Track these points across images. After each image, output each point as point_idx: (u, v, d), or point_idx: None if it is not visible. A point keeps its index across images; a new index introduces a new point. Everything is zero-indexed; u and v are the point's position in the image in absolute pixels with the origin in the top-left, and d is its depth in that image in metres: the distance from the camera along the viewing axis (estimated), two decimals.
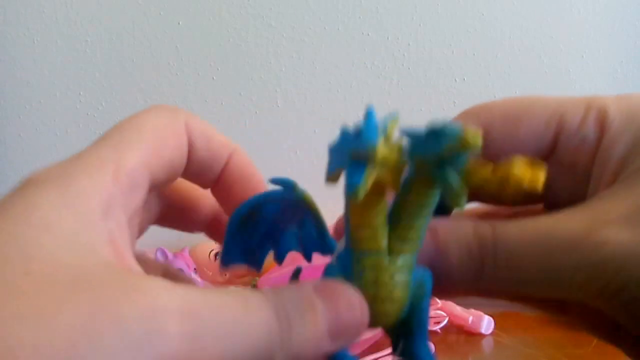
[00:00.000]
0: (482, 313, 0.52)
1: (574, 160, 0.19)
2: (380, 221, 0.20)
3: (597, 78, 0.77)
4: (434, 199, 0.18)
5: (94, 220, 0.15)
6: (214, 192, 0.22)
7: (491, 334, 0.50)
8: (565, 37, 0.77)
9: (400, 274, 0.19)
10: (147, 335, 0.13)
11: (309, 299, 0.16)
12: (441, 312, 0.51)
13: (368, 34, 0.75)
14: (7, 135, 0.71)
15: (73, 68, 0.72)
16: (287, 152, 0.75)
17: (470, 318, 0.51)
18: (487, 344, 0.49)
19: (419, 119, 0.71)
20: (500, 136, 0.21)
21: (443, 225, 0.19)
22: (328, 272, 0.21)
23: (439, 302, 0.54)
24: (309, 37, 0.74)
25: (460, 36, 0.76)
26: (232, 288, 0.53)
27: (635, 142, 0.17)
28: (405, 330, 0.21)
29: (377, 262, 0.20)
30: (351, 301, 0.17)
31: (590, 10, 0.77)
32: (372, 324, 0.19)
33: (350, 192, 0.18)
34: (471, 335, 0.51)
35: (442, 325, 0.50)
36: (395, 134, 0.18)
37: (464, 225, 0.18)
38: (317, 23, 0.74)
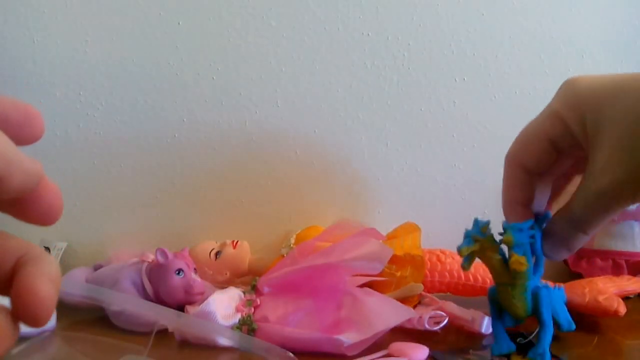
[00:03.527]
0: (482, 313, 0.51)
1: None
2: (497, 269, 0.42)
3: None
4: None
5: None
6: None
7: (491, 334, 0.50)
8: (565, 37, 0.77)
9: (517, 295, 0.43)
10: None
11: None
12: (441, 312, 0.51)
13: (368, 34, 0.75)
14: None
15: (73, 68, 0.72)
16: (287, 152, 0.75)
17: (471, 318, 0.51)
18: (487, 344, 0.49)
19: (419, 118, 0.72)
20: None
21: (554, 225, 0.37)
22: (490, 292, 0.45)
23: (439, 302, 0.54)
24: (309, 37, 0.74)
25: (460, 36, 0.76)
26: (232, 288, 0.53)
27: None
28: (537, 320, 0.44)
29: (504, 289, 0.43)
30: None
31: (590, 10, 0.77)
32: (514, 317, 0.44)
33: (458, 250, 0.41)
34: (471, 335, 0.51)
35: (442, 325, 0.50)
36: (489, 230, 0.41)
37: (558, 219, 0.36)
38: (317, 23, 0.74)
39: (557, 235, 0.35)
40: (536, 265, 0.43)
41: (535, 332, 0.46)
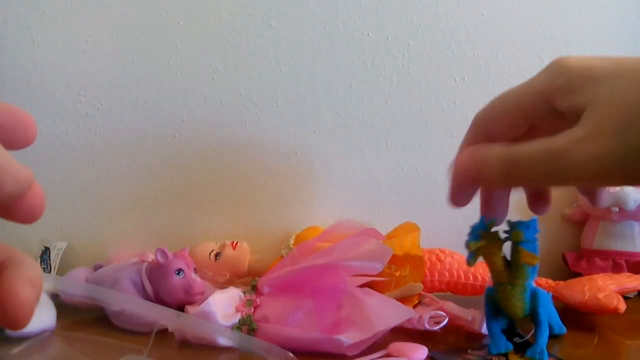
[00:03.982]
0: (482, 313, 0.51)
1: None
2: (499, 268, 0.43)
3: None
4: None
5: None
6: None
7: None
8: (565, 37, 0.77)
9: (517, 294, 0.44)
10: None
11: None
12: (441, 312, 0.51)
13: (368, 34, 0.75)
14: None
15: (73, 68, 0.72)
16: (287, 152, 0.75)
17: (470, 318, 0.51)
18: (485, 344, 0.49)
19: (419, 118, 0.71)
20: None
21: (485, 146, 0.31)
22: (487, 292, 0.47)
23: (439, 301, 0.54)
24: (309, 37, 0.74)
25: (460, 36, 0.76)
26: (232, 288, 0.53)
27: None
28: (533, 320, 0.45)
29: (503, 289, 0.44)
30: None
31: (590, 10, 0.77)
32: (512, 316, 0.45)
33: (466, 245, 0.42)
34: (470, 335, 0.51)
35: (442, 325, 0.50)
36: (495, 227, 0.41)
37: (498, 146, 0.30)
38: (317, 23, 0.74)
39: (480, 155, 0.31)
40: (533, 269, 0.44)
41: (531, 332, 0.47)
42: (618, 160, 0.25)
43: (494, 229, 0.41)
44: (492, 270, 0.44)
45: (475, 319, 0.51)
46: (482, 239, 0.41)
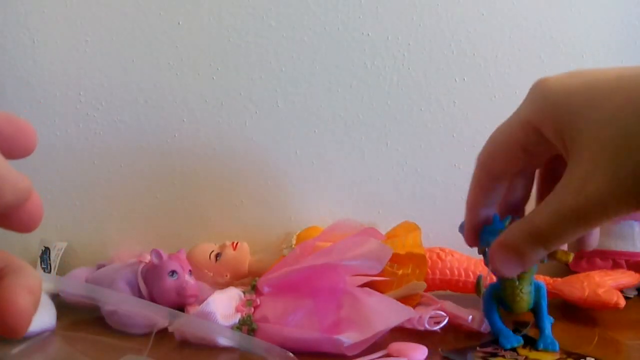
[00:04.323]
0: (480, 312, 0.52)
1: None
2: None
3: None
4: None
5: None
6: None
7: (489, 331, 0.50)
8: (565, 37, 0.77)
9: (524, 289, 0.45)
10: None
11: None
12: (441, 312, 0.51)
13: (368, 34, 0.75)
14: None
15: (73, 68, 0.72)
16: (287, 152, 0.75)
17: (470, 317, 0.51)
18: (487, 341, 0.49)
19: (419, 118, 0.71)
20: None
21: (505, 236, 0.32)
22: (490, 289, 0.48)
23: (438, 301, 0.54)
24: (309, 37, 0.74)
25: (460, 36, 0.76)
26: (232, 288, 0.53)
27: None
28: (535, 313, 0.47)
29: (511, 284, 0.45)
30: None
31: (590, 10, 0.77)
32: (516, 311, 0.46)
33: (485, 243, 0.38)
34: (469, 333, 0.51)
35: (442, 325, 0.50)
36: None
37: (515, 229, 0.31)
38: (317, 23, 0.74)
39: (512, 247, 0.31)
40: None
41: (529, 325, 0.48)
42: (619, 197, 0.25)
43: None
44: None
45: (475, 318, 0.51)
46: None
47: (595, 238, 0.34)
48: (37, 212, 0.18)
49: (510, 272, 0.32)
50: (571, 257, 0.39)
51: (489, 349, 0.46)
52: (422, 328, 0.50)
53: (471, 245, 0.38)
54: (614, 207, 0.25)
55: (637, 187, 0.24)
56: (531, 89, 0.31)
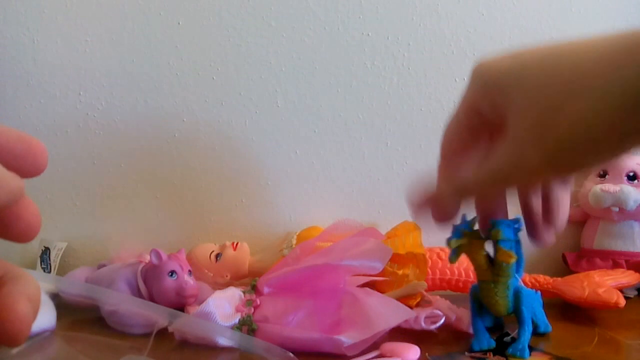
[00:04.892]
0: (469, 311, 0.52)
1: None
2: (482, 266, 0.44)
3: None
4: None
5: None
6: None
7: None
8: (565, 37, 0.77)
9: (499, 292, 0.45)
10: None
11: None
12: (437, 311, 0.51)
13: (368, 34, 0.75)
14: None
15: (73, 68, 0.72)
16: (287, 152, 0.75)
17: (454, 316, 0.51)
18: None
19: (419, 118, 0.71)
20: None
21: (438, 187, 0.37)
22: (471, 290, 0.48)
23: (431, 298, 0.54)
24: (309, 37, 0.74)
25: (460, 36, 0.76)
26: (231, 288, 0.53)
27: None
28: (516, 318, 0.46)
29: (487, 287, 0.45)
30: None
31: (590, 10, 0.77)
32: (495, 314, 0.46)
33: (448, 242, 0.43)
34: (460, 333, 0.51)
35: (438, 324, 0.50)
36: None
37: (445, 183, 0.37)
38: (317, 23, 0.74)
39: (438, 198, 0.37)
40: (517, 265, 0.44)
41: (509, 335, 0.48)
42: (544, 164, 0.28)
43: (476, 227, 0.43)
44: (476, 268, 0.45)
45: (462, 318, 0.51)
46: (464, 237, 0.42)
47: (550, 237, 0.38)
48: (35, 221, 0.18)
49: (438, 219, 0.37)
50: (512, 259, 0.42)
51: (477, 354, 0.46)
52: (418, 328, 0.49)
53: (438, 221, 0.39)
54: (536, 172, 0.28)
55: (557, 157, 0.27)
56: (471, 73, 0.34)
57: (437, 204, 0.36)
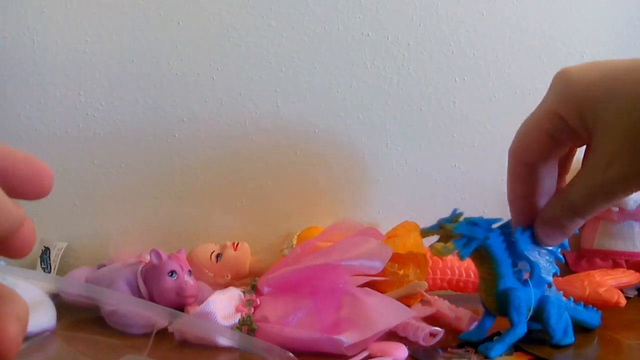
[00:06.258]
0: (469, 312, 0.51)
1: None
2: (476, 263, 0.46)
3: None
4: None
5: None
6: None
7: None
8: (565, 37, 0.77)
9: (488, 290, 0.45)
10: None
11: None
12: (439, 329, 0.49)
13: (368, 34, 0.75)
14: (7, 135, 0.71)
15: (73, 68, 0.72)
16: (287, 152, 0.75)
17: (454, 316, 0.51)
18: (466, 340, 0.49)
19: (419, 118, 0.72)
20: None
21: (546, 210, 0.38)
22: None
23: (429, 297, 0.54)
24: (309, 37, 0.74)
25: (460, 36, 0.76)
26: (231, 288, 0.53)
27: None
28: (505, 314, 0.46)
29: (481, 282, 0.46)
30: None
31: (590, 10, 0.77)
32: (490, 310, 0.47)
33: (420, 230, 0.46)
34: (458, 333, 0.51)
35: (437, 339, 0.48)
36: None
37: (553, 205, 0.38)
38: (317, 23, 0.74)
39: (553, 221, 0.37)
40: (532, 274, 0.44)
41: (493, 336, 0.48)
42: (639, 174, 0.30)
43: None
44: (474, 263, 0.47)
45: (462, 318, 0.51)
46: (441, 228, 0.43)
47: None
48: (30, 238, 0.18)
49: (555, 242, 0.39)
50: (443, 255, 0.42)
51: (461, 350, 0.46)
52: (416, 341, 0.48)
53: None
54: (636, 183, 0.30)
55: None
56: (554, 80, 0.34)
57: (556, 227, 0.38)
